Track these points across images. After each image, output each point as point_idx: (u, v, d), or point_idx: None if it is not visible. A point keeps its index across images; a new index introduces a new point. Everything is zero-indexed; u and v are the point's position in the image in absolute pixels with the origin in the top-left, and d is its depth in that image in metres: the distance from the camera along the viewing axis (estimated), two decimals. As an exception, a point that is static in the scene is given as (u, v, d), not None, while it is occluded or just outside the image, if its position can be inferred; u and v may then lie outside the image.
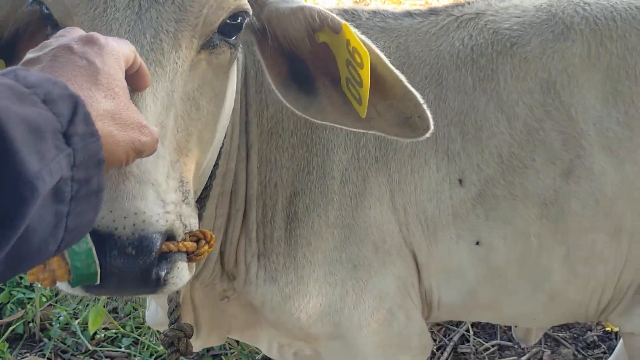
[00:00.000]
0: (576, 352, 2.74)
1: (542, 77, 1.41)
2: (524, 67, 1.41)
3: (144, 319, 2.71)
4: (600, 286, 1.49)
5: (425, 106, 1.08)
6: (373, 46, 1.06)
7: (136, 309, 2.76)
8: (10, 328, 2.59)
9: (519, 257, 1.44)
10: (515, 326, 1.92)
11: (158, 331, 2.65)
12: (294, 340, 1.57)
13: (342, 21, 1.06)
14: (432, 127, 1.09)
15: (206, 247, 0.92)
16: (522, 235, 1.42)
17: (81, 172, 0.65)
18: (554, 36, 1.42)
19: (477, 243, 1.43)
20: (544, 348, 2.77)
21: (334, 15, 1.08)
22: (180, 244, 0.87)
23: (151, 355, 2.59)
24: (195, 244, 0.91)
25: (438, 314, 1.58)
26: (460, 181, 1.40)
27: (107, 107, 0.72)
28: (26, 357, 2.60)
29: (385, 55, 1.09)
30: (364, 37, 1.06)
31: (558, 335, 2.82)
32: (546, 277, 1.46)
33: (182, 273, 0.87)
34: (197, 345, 1.52)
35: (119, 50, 0.79)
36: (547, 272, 1.45)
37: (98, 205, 0.68)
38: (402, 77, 1.07)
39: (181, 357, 1.35)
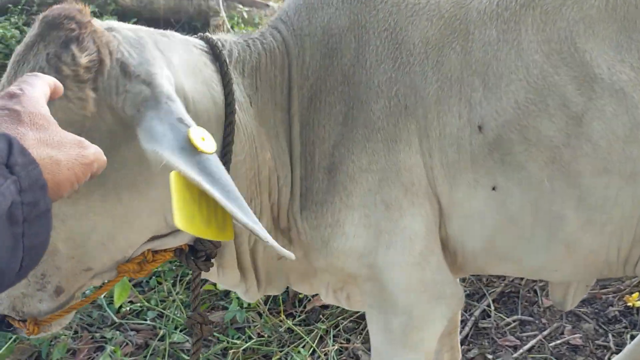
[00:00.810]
0: (597, 327, 2.74)
1: (560, 27, 1.45)
2: (544, 18, 1.46)
3: (168, 292, 2.77)
4: (618, 233, 1.50)
5: (258, 230, 1.08)
6: (206, 184, 1.05)
7: (160, 283, 2.81)
8: (39, 302, 2.66)
9: (533, 202, 1.46)
10: (539, 280, 1.91)
11: (180, 302, 2.71)
12: (345, 284, 1.66)
13: (174, 170, 1.05)
14: (269, 243, 1.09)
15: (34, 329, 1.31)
16: (536, 179, 1.45)
17: (29, 196, 0.73)
18: None
19: (494, 188, 1.46)
20: (565, 323, 2.77)
21: (175, 160, 1.06)
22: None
23: (176, 327, 2.63)
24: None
25: (463, 264, 1.61)
26: (479, 128, 1.44)
27: (37, 136, 0.80)
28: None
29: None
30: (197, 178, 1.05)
31: (579, 311, 2.81)
32: (560, 224, 1.48)
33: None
34: (259, 293, 1.71)
35: (35, 93, 0.88)
36: (561, 218, 1.48)
37: (48, 225, 0.77)
38: (232, 208, 1.06)
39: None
